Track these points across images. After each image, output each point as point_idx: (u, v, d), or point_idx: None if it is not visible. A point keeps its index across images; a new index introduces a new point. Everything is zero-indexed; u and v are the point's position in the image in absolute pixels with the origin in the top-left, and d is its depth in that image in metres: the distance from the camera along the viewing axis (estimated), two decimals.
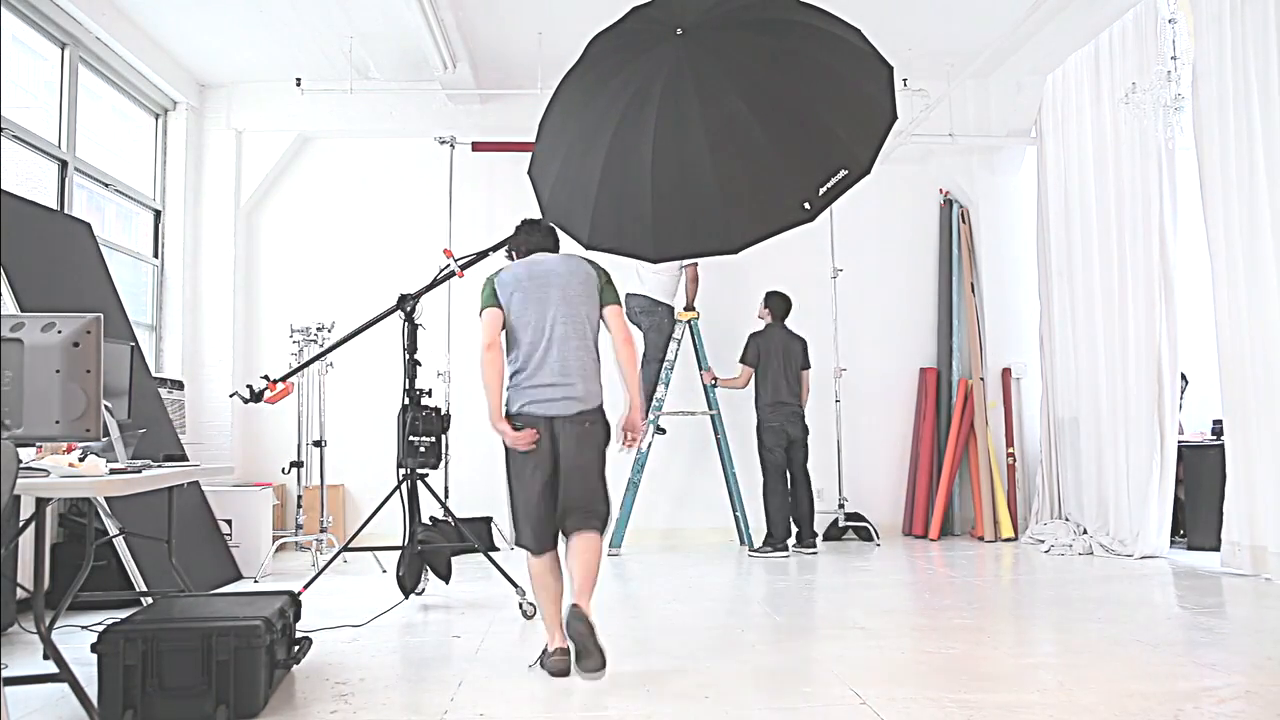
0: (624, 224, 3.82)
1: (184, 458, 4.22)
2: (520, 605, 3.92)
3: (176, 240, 6.43)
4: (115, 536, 4.14)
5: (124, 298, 5.12)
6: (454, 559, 4.43)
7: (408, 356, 4.15)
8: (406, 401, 4.16)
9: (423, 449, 4.16)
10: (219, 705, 2.51)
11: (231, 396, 4.23)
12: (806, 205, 3.57)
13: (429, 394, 4.31)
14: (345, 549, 4.78)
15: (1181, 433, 5.68)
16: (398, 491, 4.16)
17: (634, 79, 3.58)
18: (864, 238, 6.95)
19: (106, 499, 4.00)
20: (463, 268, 4.21)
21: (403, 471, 4.18)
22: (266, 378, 4.13)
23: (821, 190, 3.55)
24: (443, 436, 4.31)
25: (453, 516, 4.50)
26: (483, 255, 4.30)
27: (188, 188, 6.48)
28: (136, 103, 6.16)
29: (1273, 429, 4.58)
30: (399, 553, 4.27)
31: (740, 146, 3.59)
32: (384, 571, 5.27)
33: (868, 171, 3.61)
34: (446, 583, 4.38)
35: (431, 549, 4.26)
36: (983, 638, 3.43)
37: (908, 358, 6.97)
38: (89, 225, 5.00)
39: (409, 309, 4.13)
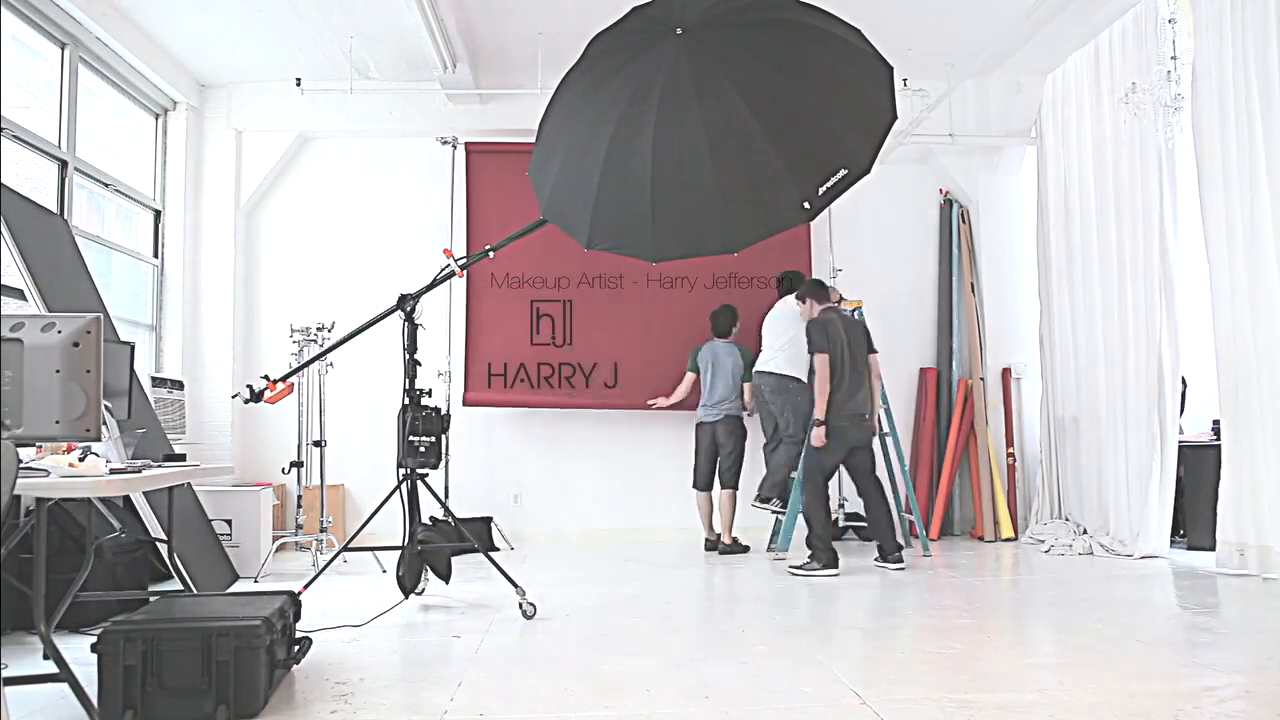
0: (623, 225, 3.82)
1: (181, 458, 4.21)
2: (520, 605, 3.92)
3: (176, 240, 6.43)
4: (113, 537, 4.15)
5: (124, 298, 5.12)
6: (453, 559, 4.42)
7: (408, 356, 4.15)
8: (406, 401, 4.16)
9: (423, 449, 4.16)
10: (219, 705, 2.51)
11: (234, 398, 4.24)
12: (806, 205, 3.57)
13: (429, 394, 4.31)
14: (345, 549, 4.78)
15: (1182, 433, 5.68)
16: (398, 491, 4.16)
17: (633, 79, 3.58)
18: (864, 238, 6.96)
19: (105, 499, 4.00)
20: (462, 268, 4.21)
21: (403, 471, 4.18)
22: (266, 377, 4.13)
23: (821, 190, 3.55)
24: (443, 436, 4.32)
25: (452, 516, 4.50)
26: (484, 254, 4.30)
27: (188, 188, 6.48)
28: (136, 103, 6.16)
29: (1273, 429, 4.58)
30: (399, 553, 4.27)
31: (740, 146, 3.59)
32: (384, 571, 5.27)
33: (867, 171, 3.61)
34: (446, 583, 4.38)
35: (431, 549, 4.26)
36: (983, 638, 3.43)
37: (908, 358, 6.97)
38: (66, 221, 4.97)
39: (409, 309, 4.13)
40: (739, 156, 3.61)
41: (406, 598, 4.18)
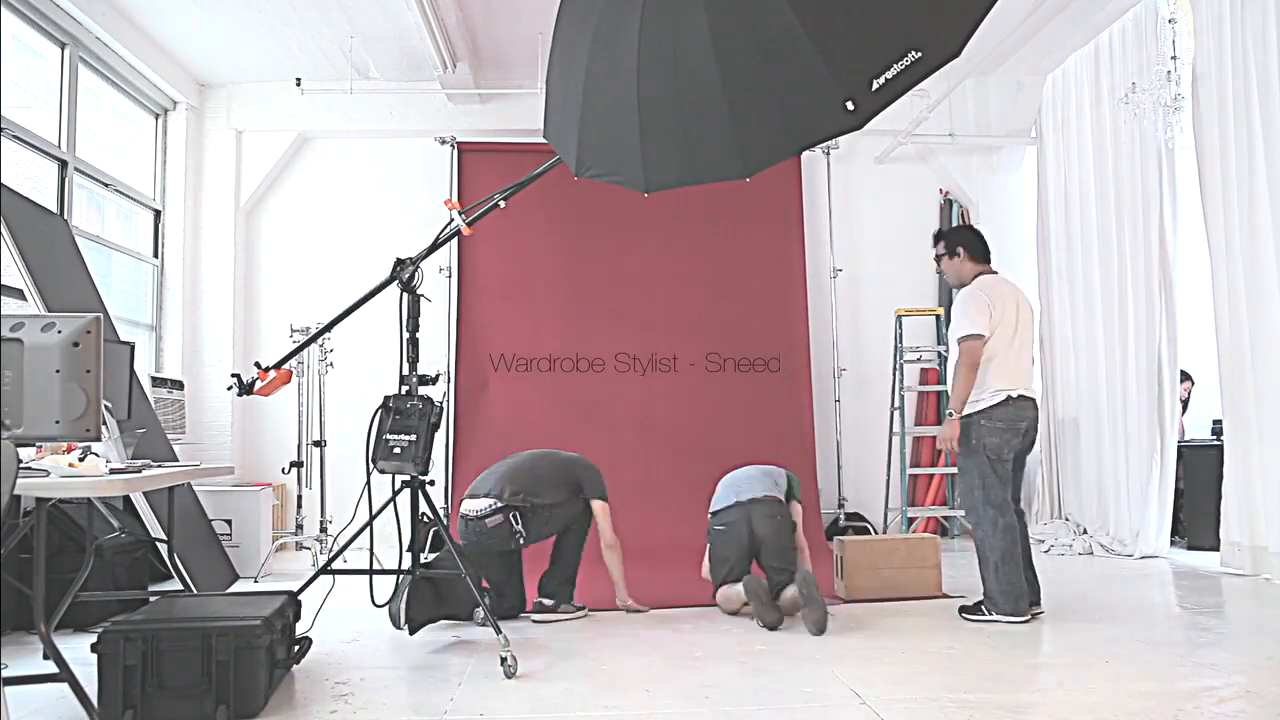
0: (611, 147, 3.00)
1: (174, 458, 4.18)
2: (503, 658, 3.00)
3: (176, 240, 6.43)
4: (113, 537, 4.15)
5: (124, 298, 5.11)
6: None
7: (407, 335, 3.49)
8: (414, 382, 3.57)
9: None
10: (219, 705, 2.51)
11: (228, 390, 3.83)
12: (850, 105, 2.51)
13: (433, 381, 3.77)
14: (337, 557, 4.68)
15: (1183, 434, 5.68)
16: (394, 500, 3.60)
17: None
18: (864, 237, 6.94)
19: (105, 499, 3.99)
20: (469, 223, 3.57)
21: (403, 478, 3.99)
22: (258, 364, 3.60)
23: (877, 82, 2.49)
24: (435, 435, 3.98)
25: (444, 526, 3.58)
26: (492, 205, 3.64)
27: (188, 188, 6.48)
28: (136, 103, 6.16)
29: (1273, 429, 4.58)
30: (394, 582, 3.59)
31: (752, 24, 2.62)
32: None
33: (956, 54, 2.46)
34: (469, 619, 3.73)
35: (445, 575, 3.50)
36: (983, 638, 3.42)
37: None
38: (66, 221, 4.96)
39: (406, 276, 3.46)
40: (751, 39, 2.62)
41: (413, 634, 3.51)
